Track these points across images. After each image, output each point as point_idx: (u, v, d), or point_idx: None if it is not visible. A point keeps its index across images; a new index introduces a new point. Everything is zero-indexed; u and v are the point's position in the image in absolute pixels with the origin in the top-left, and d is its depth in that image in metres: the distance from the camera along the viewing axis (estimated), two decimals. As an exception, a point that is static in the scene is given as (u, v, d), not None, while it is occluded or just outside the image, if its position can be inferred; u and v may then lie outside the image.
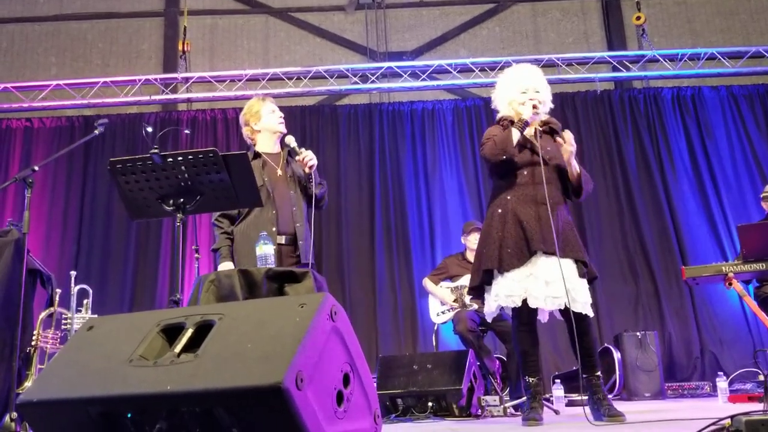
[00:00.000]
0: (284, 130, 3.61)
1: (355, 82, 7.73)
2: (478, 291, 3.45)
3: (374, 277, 6.90)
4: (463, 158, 7.37)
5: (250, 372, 1.65)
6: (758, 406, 3.21)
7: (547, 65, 7.68)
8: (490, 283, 3.35)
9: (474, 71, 7.69)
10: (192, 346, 1.83)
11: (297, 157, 3.47)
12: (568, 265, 3.23)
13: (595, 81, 7.59)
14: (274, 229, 3.39)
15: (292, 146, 3.51)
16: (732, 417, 1.89)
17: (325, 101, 8.05)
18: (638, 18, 7.74)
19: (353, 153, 7.38)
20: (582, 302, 3.23)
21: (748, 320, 6.47)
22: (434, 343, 5.59)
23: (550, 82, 8.12)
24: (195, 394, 1.68)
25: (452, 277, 5.51)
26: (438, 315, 5.41)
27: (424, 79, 7.73)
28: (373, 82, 7.72)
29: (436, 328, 5.52)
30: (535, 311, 3.35)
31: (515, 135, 3.26)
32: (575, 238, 3.32)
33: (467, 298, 5.26)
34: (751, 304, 4.20)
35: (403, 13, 8.52)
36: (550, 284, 3.20)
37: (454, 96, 8.02)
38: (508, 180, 3.36)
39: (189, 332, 1.85)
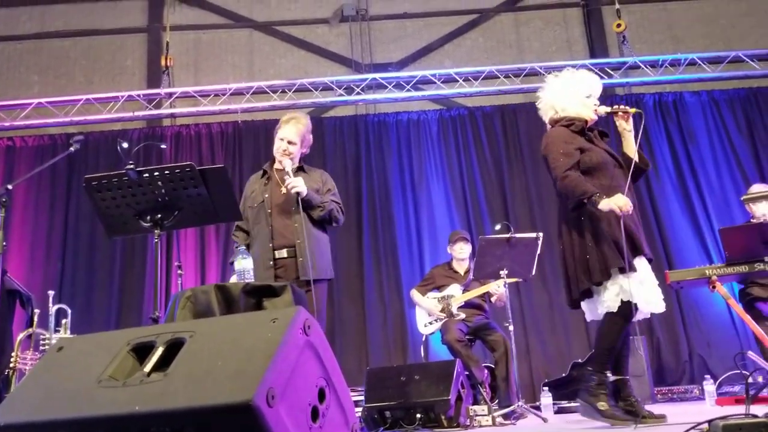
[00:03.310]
0: (283, 165, 3.62)
1: (341, 94, 7.74)
2: (587, 294, 3.32)
3: (363, 289, 6.88)
4: (450, 168, 7.37)
5: (220, 390, 1.63)
6: (742, 409, 3.20)
7: (530, 74, 7.73)
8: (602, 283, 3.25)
9: (458, 81, 7.71)
10: (162, 364, 1.80)
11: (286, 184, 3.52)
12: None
13: (579, 88, 7.61)
14: (270, 244, 3.47)
15: (287, 170, 3.54)
16: (709, 422, 1.88)
17: (310, 114, 8.00)
18: (619, 25, 7.79)
19: (340, 165, 7.36)
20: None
21: (735, 323, 6.48)
22: (423, 354, 5.57)
23: (534, 91, 8.19)
24: (164, 413, 1.65)
25: (439, 287, 5.50)
26: (425, 326, 5.39)
27: (409, 90, 7.75)
28: (358, 93, 7.73)
29: (424, 338, 5.50)
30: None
31: (602, 205, 3.17)
32: None
33: (454, 308, 5.25)
34: (736, 306, 4.19)
35: (387, 24, 8.55)
36: (655, 288, 3.24)
37: (439, 106, 8.04)
38: (597, 181, 3.28)
39: (159, 351, 1.83)
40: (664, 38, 8.35)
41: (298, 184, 3.48)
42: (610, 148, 3.48)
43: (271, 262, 3.48)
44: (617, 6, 7.92)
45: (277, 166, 3.75)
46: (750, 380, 4.42)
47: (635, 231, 3.23)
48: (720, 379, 5.14)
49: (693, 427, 1.93)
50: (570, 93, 3.49)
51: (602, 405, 3.15)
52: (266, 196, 3.64)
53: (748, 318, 4.21)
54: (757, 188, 5.33)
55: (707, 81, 7.57)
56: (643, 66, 7.65)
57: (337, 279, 6.90)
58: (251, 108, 7.60)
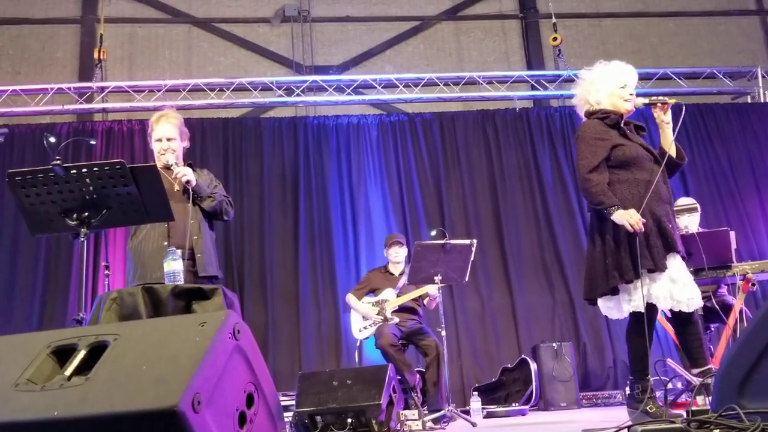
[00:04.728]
0: (165, 161, 3.50)
1: (280, 95, 7.67)
2: (613, 291, 3.24)
3: (298, 293, 6.81)
4: (388, 173, 7.40)
5: (144, 395, 1.59)
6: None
7: (469, 83, 7.86)
8: (631, 281, 3.18)
9: (399, 87, 7.76)
10: (84, 368, 1.74)
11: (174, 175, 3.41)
12: (684, 264, 3.24)
13: (514, 99, 7.80)
14: (165, 243, 3.34)
15: (171, 163, 3.44)
16: (629, 427, 1.95)
17: (249, 114, 7.94)
18: (555, 39, 8.02)
19: (277, 167, 7.28)
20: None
21: (658, 331, 6.73)
22: (357, 359, 5.56)
23: (472, 100, 8.33)
24: (85, 419, 1.60)
25: (374, 290, 5.51)
26: (360, 330, 5.39)
27: (349, 94, 7.75)
28: (298, 95, 7.68)
29: (359, 343, 5.50)
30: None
31: (614, 217, 3.16)
32: None
33: (388, 312, 5.27)
34: (658, 316, 4.35)
35: (329, 27, 8.53)
36: (687, 285, 3.17)
37: (380, 111, 8.07)
38: (632, 176, 3.25)
39: (81, 354, 1.77)
40: (597, 53, 8.62)
41: (187, 172, 3.39)
42: (645, 142, 3.39)
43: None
44: (554, 20, 8.15)
45: (161, 165, 3.63)
46: (669, 386, 4.61)
47: (668, 228, 3.18)
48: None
49: (616, 430, 1.99)
50: (604, 85, 3.39)
51: (651, 407, 3.18)
52: None
53: (669, 327, 4.39)
54: (681, 201, 5.54)
55: (637, 96, 7.86)
56: (576, 79, 7.87)
57: (272, 282, 6.83)
58: (187, 105, 7.44)
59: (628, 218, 3.08)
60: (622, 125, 3.34)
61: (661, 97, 3.35)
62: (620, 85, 3.36)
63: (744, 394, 2.22)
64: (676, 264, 3.18)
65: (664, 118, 3.31)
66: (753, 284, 4.55)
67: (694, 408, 2.62)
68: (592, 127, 3.32)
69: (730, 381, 2.24)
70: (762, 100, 8.15)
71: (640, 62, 8.28)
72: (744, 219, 7.42)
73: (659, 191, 3.23)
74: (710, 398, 2.50)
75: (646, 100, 3.35)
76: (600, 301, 3.35)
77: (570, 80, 7.89)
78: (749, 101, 8.23)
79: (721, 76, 8.01)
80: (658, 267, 3.11)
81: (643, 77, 7.84)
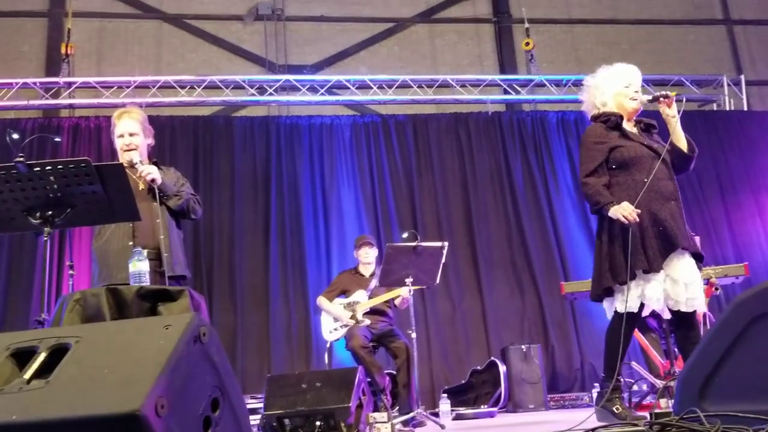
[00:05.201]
0: (128, 159, 3.43)
1: (252, 94, 7.62)
2: (608, 292, 3.31)
3: (267, 294, 6.76)
4: (361, 174, 7.39)
5: (106, 399, 1.55)
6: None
7: (443, 86, 7.89)
8: (625, 283, 3.20)
9: (373, 88, 7.76)
10: (45, 371, 1.70)
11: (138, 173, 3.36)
12: (693, 263, 3.23)
13: (487, 103, 7.85)
14: (130, 243, 3.27)
15: (135, 161, 3.39)
16: (593, 429, 1.97)
17: (220, 112, 7.87)
18: (527, 44, 8.09)
19: (248, 166, 7.22)
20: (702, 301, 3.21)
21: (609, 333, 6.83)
22: (327, 361, 5.54)
23: (445, 102, 8.36)
24: (44, 423, 1.56)
25: (345, 292, 5.49)
26: (330, 332, 5.37)
27: (323, 94, 7.73)
28: (270, 94, 7.63)
29: (329, 345, 5.47)
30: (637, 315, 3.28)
31: (615, 212, 3.19)
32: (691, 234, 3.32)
33: (359, 314, 5.25)
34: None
35: (303, 26, 8.49)
36: (688, 286, 3.16)
37: (353, 112, 8.06)
38: (631, 176, 3.27)
39: (42, 357, 1.72)
40: (568, 59, 8.73)
41: (152, 170, 3.33)
42: (656, 139, 3.40)
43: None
44: (527, 25, 8.23)
45: (124, 163, 3.58)
46: (635, 388, 4.68)
47: (670, 227, 3.18)
48: (597, 393, 5.38)
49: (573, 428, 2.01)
50: (608, 86, 3.44)
51: (617, 408, 3.22)
52: None
53: (635, 330, 4.44)
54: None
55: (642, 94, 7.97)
56: (548, 84, 7.97)
57: (242, 283, 6.77)
58: (157, 103, 7.34)
59: (621, 211, 3.14)
60: (624, 126, 3.38)
61: (663, 92, 3.36)
62: (624, 84, 3.42)
63: (705, 397, 2.25)
64: (678, 263, 3.18)
65: (669, 112, 3.34)
66: (716, 289, 4.64)
67: (657, 411, 2.66)
68: (593, 131, 3.38)
69: (691, 384, 2.27)
70: (727, 108, 8.32)
71: (611, 68, 8.41)
72: (709, 225, 7.57)
73: (660, 189, 3.25)
74: (673, 401, 2.54)
75: (650, 97, 3.38)
76: (605, 303, 3.40)
77: (542, 85, 7.98)
78: (715, 108, 8.39)
79: (688, 84, 8.16)
80: (652, 268, 3.14)
81: (613, 83, 7.95)
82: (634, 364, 3.34)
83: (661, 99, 3.31)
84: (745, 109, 8.37)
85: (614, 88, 3.42)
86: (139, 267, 2.72)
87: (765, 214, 7.75)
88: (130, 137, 3.47)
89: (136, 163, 3.36)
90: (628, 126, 3.42)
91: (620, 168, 3.30)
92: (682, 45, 9.06)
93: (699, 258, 3.29)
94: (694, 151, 3.40)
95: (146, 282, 2.70)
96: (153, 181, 3.29)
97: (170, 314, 2.42)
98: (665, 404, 2.97)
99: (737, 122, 8.09)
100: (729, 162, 7.84)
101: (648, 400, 4.47)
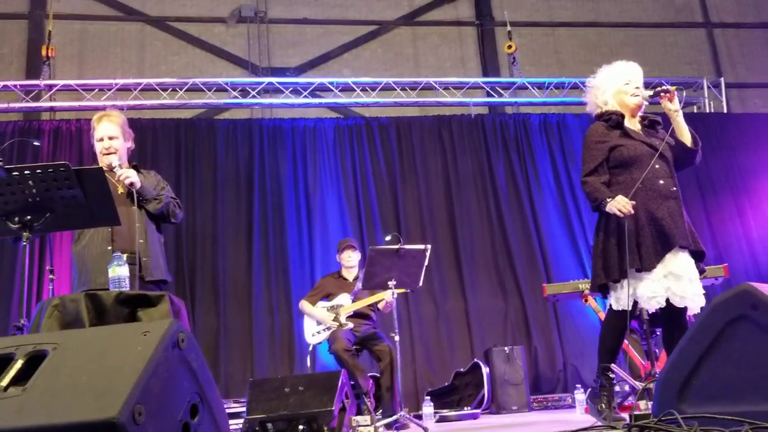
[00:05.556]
0: (108, 162, 3.41)
1: (235, 97, 7.59)
2: (603, 289, 3.34)
3: (251, 297, 6.73)
4: (344, 177, 7.38)
5: (84, 406, 1.55)
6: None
7: (426, 88, 7.91)
8: (619, 280, 3.24)
9: (356, 91, 7.76)
10: (22, 379, 1.69)
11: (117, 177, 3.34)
12: (692, 262, 3.24)
13: (470, 105, 7.88)
14: (109, 248, 3.26)
15: (114, 165, 3.36)
16: (572, 433, 1.98)
17: (202, 115, 7.83)
18: (510, 47, 8.13)
19: (231, 169, 7.19)
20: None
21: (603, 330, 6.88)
22: (309, 364, 5.53)
23: (428, 105, 8.38)
24: (21, 431, 1.55)
25: (328, 296, 5.48)
26: (313, 335, 5.35)
27: (306, 97, 7.72)
28: (253, 97, 7.61)
29: (311, 348, 5.46)
30: (633, 313, 3.27)
31: (611, 206, 3.22)
32: (694, 231, 3.33)
33: (343, 317, 5.25)
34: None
35: (286, 29, 8.48)
36: (693, 282, 3.18)
37: (337, 114, 8.05)
38: (630, 175, 3.29)
39: (18, 364, 1.71)
40: (550, 61, 8.79)
41: (130, 174, 3.31)
42: (660, 136, 3.41)
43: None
44: (509, 28, 8.27)
45: (103, 167, 3.56)
46: (617, 389, 4.70)
47: (667, 226, 3.19)
48: (590, 388, 5.41)
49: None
50: (609, 85, 3.46)
51: (601, 406, 3.26)
52: None
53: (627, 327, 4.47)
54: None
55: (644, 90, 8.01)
56: (530, 87, 8.02)
57: (225, 286, 6.74)
58: (139, 105, 7.30)
59: (616, 204, 3.18)
60: (626, 124, 3.40)
61: (663, 87, 3.38)
62: (624, 81, 3.44)
63: (683, 399, 2.27)
64: (677, 260, 3.19)
65: (671, 107, 3.35)
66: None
67: (637, 412, 2.69)
68: (594, 130, 3.41)
69: (670, 386, 2.29)
70: (707, 110, 8.42)
71: (592, 71, 8.39)
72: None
73: (658, 188, 3.26)
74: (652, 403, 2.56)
75: (650, 92, 3.40)
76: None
77: (524, 88, 8.02)
78: (695, 111, 8.48)
79: (668, 86, 8.23)
80: (644, 266, 3.16)
81: (595, 86, 8.01)
82: (614, 365, 3.35)
83: (662, 94, 3.33)
84: (725, 111, 8.47)
85: (615, 86, 3.45)
86: (119, 272, 2.70)
87: (744, 215, 7.84)
88: (110, 141, 3.45)
89: (115, 167, 3.34)
90: (631, 124, 3.44)
91: (620, 167, 3.34)
92: (663, 48, 9.16)
93: (701, 256, 3.31)
94: (698, 144, 3.41)
95: (126, 287, 2.68)
96: (132, 185, 3.27)
97: (150, 320, 2.41)
98: (645, 406, 2.99)
99: (717, 124, 8.17)
100: (709, 164, 7.93)
101: (630, 400, 4.51)
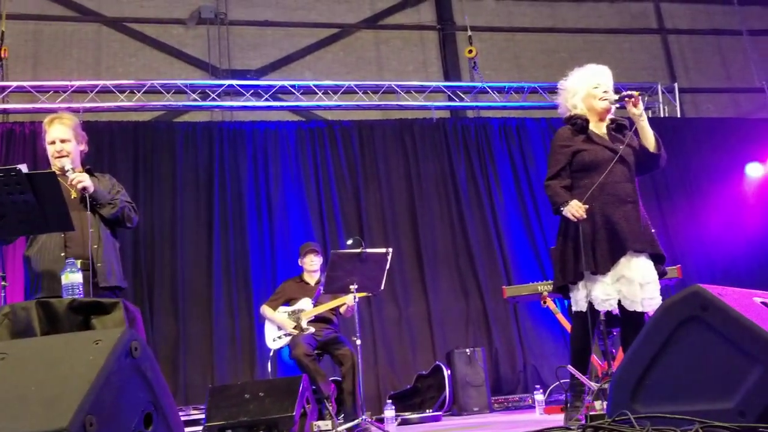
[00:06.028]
0: (60, 166, 3.34)
1: (195, 99, 7.49)
2: (563, 290, 3.41)
3: (211, 303, 6.64)
4: (306, 181, 7.34)
5: (32, 417, 1.51)
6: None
7: (388, 91, 7.93)
8: (575, 283, 3.30)
9: (318, 94, 7.74)
10: (-32, 390, 1.64)
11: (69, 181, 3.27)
12: (652, 264, 3.29)
13: (432, 109, 7.93)
14: (62, 254, 3.18)
15: (66, 169, 3.30)
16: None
17: (161, 117, 7.72)
18: (470, 51, 8.20)
19: (191, 173, 7.09)
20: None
21: (564, 335, 7.00)
22: (270, 369, 5.49)
23: (390, 108, 8.41)
24: (-34, 445, 1.51)
25: (290, 300, 5.45)
26: (274, 340, 5.32)
27: (267, 99, 7.66)
28: (213, 99, 7.52)
29: (273, 354, 5.42)
30: (597, 314, 3.32)
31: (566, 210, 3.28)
32: (654, 234, 3.38)
33: (304, 322, 5.23)
34: (563, 321, 4.52)
35: (247, 30, 8.41)
36: (644, 286, 3.22)
37: (298, 117, 8.02)
38: (590, 179, 3.34)
39: (-35, 375, 1.67)
40: (510, 66, 8.90)
41: (83, 179, 3.24)
42: (626, 140, 3.44)
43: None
44: (469, 33, 8.34)
45: (56, 170, 3.50)
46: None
47: (622, 230, 3.25)
48: (549, 388, 5.50)
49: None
50: (579, 88, 3.52)
51: (564, 407, 3.39)
52: None
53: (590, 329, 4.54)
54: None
55: (547, 109, 8.14)
56: (491, 91, 8.11)
57: (184, 292, 6.64)
58: (95, 107, 7.15)
59: (569, 209, 3.27)
60: (592, 128, 3.46)
61: (627, 92, 3.44)
62: (593, 85, 3.50)
63: (637, 399, 2.31)
64: (633, 264, 3.27)
65: (635, 111, 3.41)
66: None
67: (592, 413, 2.73)
68: (560, 134, 3.50)
69: (623, 386, 2.33)
70: (662, 115, 8.62)
71: (551, 76, 8.58)
72: (645, 228, 7.80)
73: (616, 192, 3.33)
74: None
75: (616, 97, 3.45)
76: None
77: (485, 92, 8.10)
78: (650, 115, 8.67)
79: (624, 91, 8.41)
80: (598, 270, 3.23)
81: (554, 90, 8.09)
82: (569, 367, 3.41)
83: (627, 99, 3.40)
84: (679, 116, 8.69)
85: (584, 89, 3.51)
86: (72, 279, 2.64)
87: (698, 218, 8.04)
88: (62, 144, 3.38)
89: (68, 171, 3.26)
90: (597, 128, 3.50)
91: (582, 171, 3.40)
92: (619, 53, 9.35)
93: (660, 259, 3.38)
94: (661, 149, 3.48)
95: (79, 294, 2.63)
96: (84, 189, 3.20)
97: (104, 327, 2.37)
98: (600, 406, 3.05)
99: (671, 129, 8.37)
100: (664, 167, 8.11)
101: (587, 400, 4.58)
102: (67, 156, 3.35)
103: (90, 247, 3.17)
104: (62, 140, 3.38)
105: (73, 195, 3.29)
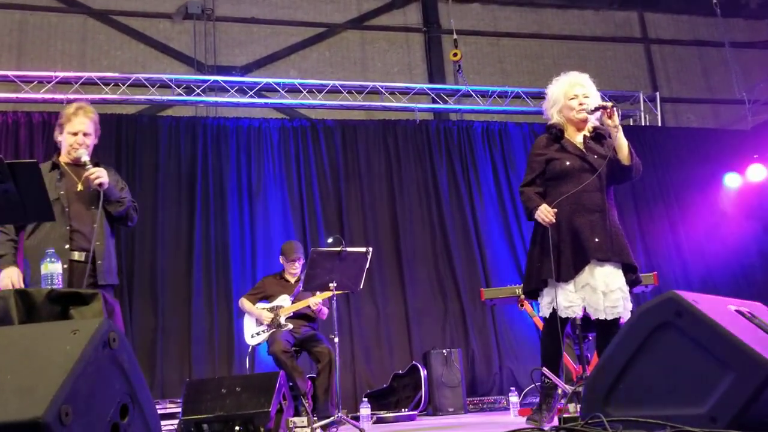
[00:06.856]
0: (76, 156, 3.35)
1: (179, 94, 7.46)
2: (533, 294, 3.51)
3: (190, 298, 6.61)
4: (288, 178, 7.35)
5: (7, 406, 1.51)
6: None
7: (372, 92, 7.95)
8: (542, 288, 3.39)
9: (302, 92, 7.74)
10: (-57, 378, 1.64)
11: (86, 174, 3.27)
12: (619, 273, 3.33)
13: (415, 111, 7.97)
14: (66, 246, 3.19)
15: (84, 160, 3.29)
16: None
17: (145, 111, 7.68)
18: (455, 54, 8.25)
19: (173, 167, 7.06)
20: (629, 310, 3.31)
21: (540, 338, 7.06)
22: (248, 365, 5.49)
23: (374, 109, 8.43)
24: (-60, 432, 1.51)
25: (269, 297, 5.46)
26: (252, 336, 5.33)
27: (252, 96, 7.65)
28: (198, 95, 7.50)
29: (251, 349, 5.43)
30: (566, 319, 3.37)
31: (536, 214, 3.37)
32: (626, 243, 3.39)
33: (282, 318, 5.24)
34: (539, 323, 4.56)
35: (233, 27, 8.39)
36: (607, 295, 3.27)
37: (282, 115, 8.02)
38: (560, 188, 3.40)
39: (-60, 363, 1.66)
40: (494, 71, 8.96)
41: (102, 174, 3.25)
42: (603, 150, 3.49)
43: (66, 266, 3.21)
44: (455, 36, 8.38)
45: (65, 159, 3.47)
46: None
47: (587, 240, 3.29)
48: (525, 390, 5.56)
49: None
50: (556, 98, 3.58)
51: (535, 409, 3.46)
52: (62, 193, 3.35)
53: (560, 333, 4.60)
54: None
55: (530, 114, 8.21)
56: (474, 95, 8.16)
57: (163, 286, 6.61)
58: (79, 99, 7.07)
59: (539, 213, 3.37)
60: (566, 137, 3.52)
61: (602, 103, 3.48)
62: (569, 97, 3.55)
63: (610, 402, 2.35)
64: (597, 273, 3.32)
65: (610, 123, 3.44)
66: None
67: (566, 415, 2.78)
68: (537, 143, 3.61)
69: (597, 390, 2.37)
70: (643, 123, 8.73)
71: (535, 82, 8.67)
72: (623, 235, 7.89)
73: (583, 201, 3.38)
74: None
75: (593, 107, 3.49)
76: None
77: (468, 95, 8.15)
78: (631, 123, 8.78)
79: (606, 99, 8.51)
80: (561, 277, 3.29)
81: (537, 96, 8.20)
82: (544, 369, 3.46)
83: (602, 109, 3.44)
84: (660, 125, 8.81)
85: (561, 101, 3.58)
86: (51, 269, 2.64)
87: (676, 225, 8.15)
88: (84, 137, 3.39)
89: (87, 164, 3.25)
90: (573, 137, 3.54)
91: (554, 179, 3.48)
92: (602, 61, 9.46)
93: (631, 268, 3.41)
94: (632, 160, 3.50)
95: (58, 284, 2.62)
96: (101, 185, 3.20)
97: (82, 318, 2.36)
98: (574, 409, 3.10)
99: (652, 137, 8.48)
100: (643, 175, 8.16)
101: (561, 403, 4.63)
102: (86, 149, 3.34)
103: (93, 242, 3.17)
104: (85, 134, 3.39)
105: (80, 187, 3.29)
